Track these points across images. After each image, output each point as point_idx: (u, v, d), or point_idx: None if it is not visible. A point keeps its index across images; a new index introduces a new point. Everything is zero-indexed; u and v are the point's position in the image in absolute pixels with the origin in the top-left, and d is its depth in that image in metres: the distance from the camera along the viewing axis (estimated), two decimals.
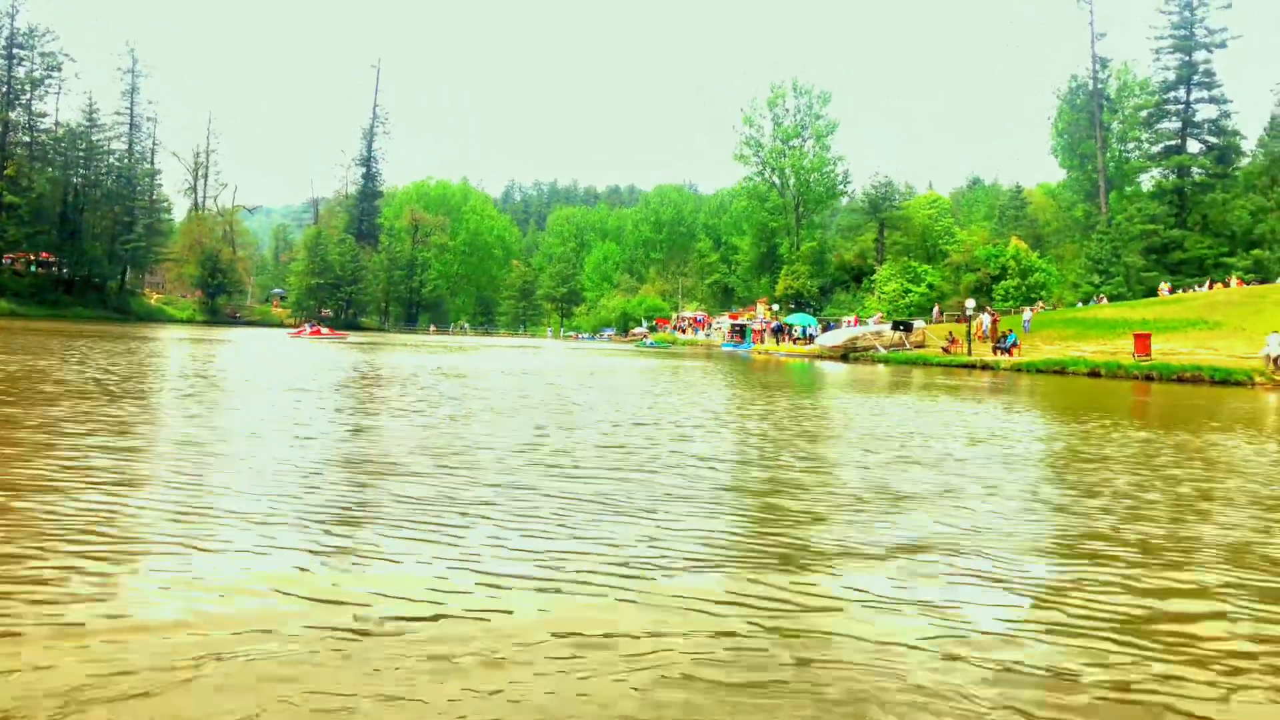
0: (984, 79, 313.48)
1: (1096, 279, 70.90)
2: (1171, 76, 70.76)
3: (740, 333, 74.17)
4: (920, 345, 53.29)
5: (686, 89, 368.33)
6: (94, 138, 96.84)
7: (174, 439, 9.13)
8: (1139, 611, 4.56)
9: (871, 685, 3.44)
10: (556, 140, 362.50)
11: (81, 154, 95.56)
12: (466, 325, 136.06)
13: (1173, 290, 59.94)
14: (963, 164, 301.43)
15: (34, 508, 5.82)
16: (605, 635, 3.88)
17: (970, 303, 51.63)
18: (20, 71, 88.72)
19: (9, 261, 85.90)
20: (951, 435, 12.39)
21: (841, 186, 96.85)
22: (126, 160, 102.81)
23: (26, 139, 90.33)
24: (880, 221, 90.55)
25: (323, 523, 5.75)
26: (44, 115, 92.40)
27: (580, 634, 3.87)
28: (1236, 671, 3.77)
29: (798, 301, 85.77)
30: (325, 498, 6.56)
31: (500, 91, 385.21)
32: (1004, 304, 67.51)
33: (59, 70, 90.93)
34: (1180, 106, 70.83)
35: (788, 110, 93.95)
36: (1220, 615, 4.57)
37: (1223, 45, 68.76)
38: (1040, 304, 67.22)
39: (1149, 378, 35.59)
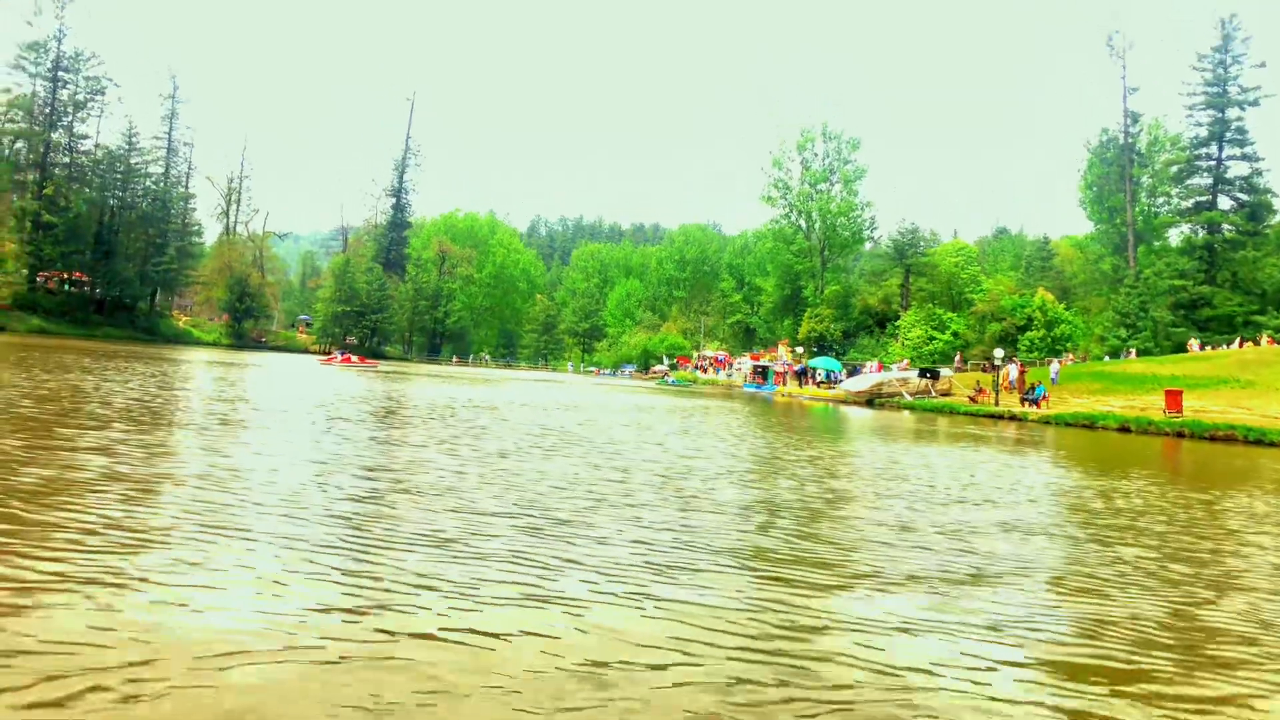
0: (1014, 129, 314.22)
1: (1124, 333, 70.50)
2: (1204, 133, 70.75)
3: (762, 374, 74.02)
4: (946, 393, 53.01)
5: (713, 130, 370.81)
6: (132, 161, 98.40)
7: (246, 471, 9.18)
8: None
9: None
10: (583, 176, 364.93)
11: (119, 176, 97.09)
12: (488, 357, 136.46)
13: (1203, 347, 59.48)
14: (988, 213, 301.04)
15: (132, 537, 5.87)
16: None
17: (999, 352, 51.34)
18: (64, 94, 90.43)
19: (43, 279, 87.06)
20: (1032, 502, 12.29)
21: (868, 232, 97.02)
22: (162, 184, 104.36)
23: (66, 160, 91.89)
24: (906, 268, 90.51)
25: (394, 550, 5.80)
26: (85, 137, 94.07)
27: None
28: None
29: (821, 345, 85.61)
30: (394, 532, 6.59)
31: (529, 126, 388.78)
32: (1029, 355, 67.20)
33: (102, 94, 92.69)
34: (1212, 163, 70.75)
35: (816, 154, 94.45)
36: None
37: (1255, 103, 68.75)
38: (1070, 356, 66.85)
39: (1180, 435, 35.25)
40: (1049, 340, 71.68)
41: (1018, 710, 4.05)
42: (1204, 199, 71.28)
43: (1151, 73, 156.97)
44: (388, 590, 5.12)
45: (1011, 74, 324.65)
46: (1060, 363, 56.70)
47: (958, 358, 69.29)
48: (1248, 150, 69.29)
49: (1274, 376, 42.83)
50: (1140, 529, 9.47)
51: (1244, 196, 69.82)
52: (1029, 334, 72.77)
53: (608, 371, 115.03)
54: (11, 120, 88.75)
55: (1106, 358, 66.74)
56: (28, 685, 3.45)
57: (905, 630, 5.14)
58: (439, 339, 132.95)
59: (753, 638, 4.78)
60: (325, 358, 65.40)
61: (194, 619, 4.38)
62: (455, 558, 5.97)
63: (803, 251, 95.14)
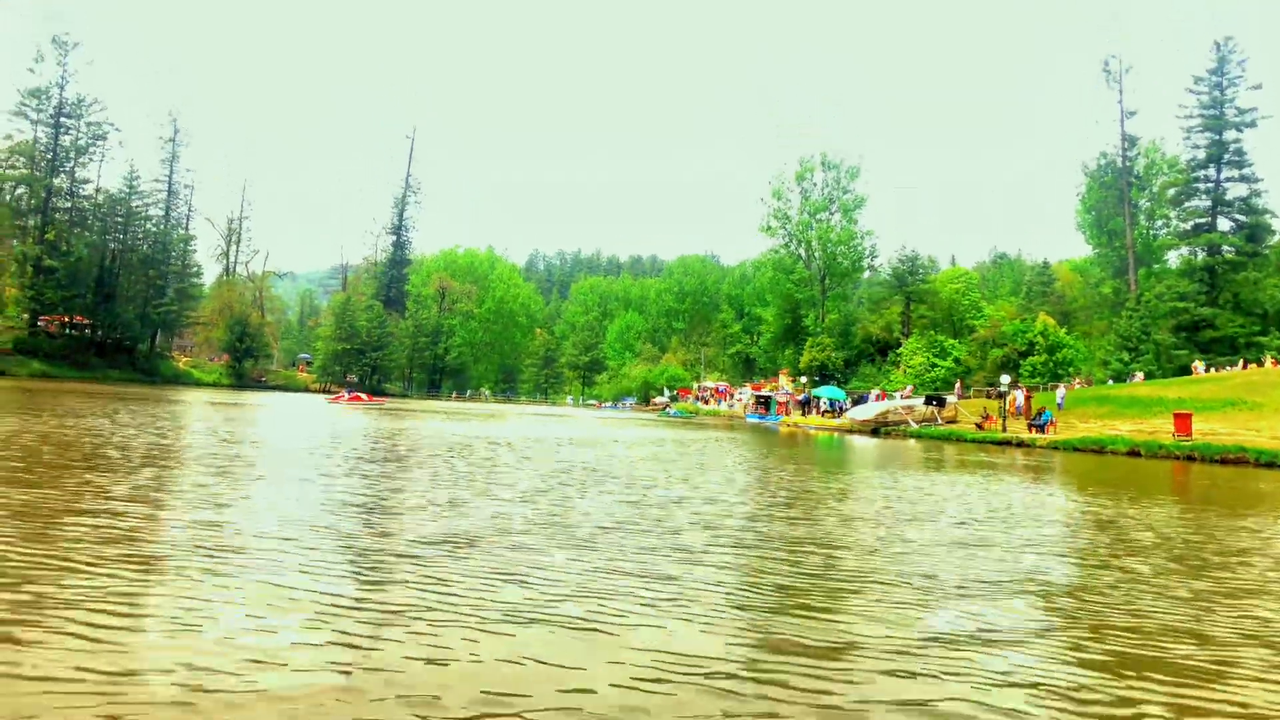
0: (1007, 153, 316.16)
1: (1126, 356, 70.46)
2: (1201, 155, 71.06)
3: (765, 404, 73.91)
4: (952, 420, 52.88)
5: (708, 161, 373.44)
6: (133, 204, 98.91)
7: (296, 518, 9.05)
8: None
9: None
10: (580, 210, 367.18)
11: (120, 220, 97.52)
12: (487, 392, 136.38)
13: (1208, 369, 59.38)
14: (986, 238, 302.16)
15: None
16: None
17: (1006, 379, 51.24)
18: (66, 140, 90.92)
19: (44, 323, 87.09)
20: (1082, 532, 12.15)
21: (868, 260, 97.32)
22: (163, 226, 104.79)
23: (67, 204, 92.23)
24: (906, 295, 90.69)
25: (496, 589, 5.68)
26: (86, 181, 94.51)
27: None
28: None
29: (822, 374, 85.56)
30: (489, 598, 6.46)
31: (526, 160, 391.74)
32: (1031, 380, 67.12)
33: (104, 139, 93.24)
34: (1210, 185, 71.02)
35: (815, 184, 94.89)
36: None
37: (1253, 124, 69.14)
38: (1078, 380, 66.76)
39: (1190, 458, 35.10)
40: (1051, 365, 71.61)
41: None
42: (1203, 221, 71.49)
43: (1149, 96, 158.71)
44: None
45: (1003, 100, 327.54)
46: (1066, 387, 56.53)
47: (958, 385, 69.16)
48: (1246, 172, 69.61)
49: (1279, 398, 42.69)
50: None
51: (1243, 218, 70.03)
52: (1031, 359, 72.72)
53: (609, 404, 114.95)
54: (13, 166, 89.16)
55: (1110, 381, 66.63)
56: None
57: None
58: (439, 375, 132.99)
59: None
60: (333, 396, 65.30)
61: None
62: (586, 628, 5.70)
63: (803, 281, 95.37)
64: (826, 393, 68.02)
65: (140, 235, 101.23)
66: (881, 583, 7.34)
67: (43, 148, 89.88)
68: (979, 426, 48.42)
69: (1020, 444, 42.61)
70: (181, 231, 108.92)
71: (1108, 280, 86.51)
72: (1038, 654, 5.53)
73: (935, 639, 5.69)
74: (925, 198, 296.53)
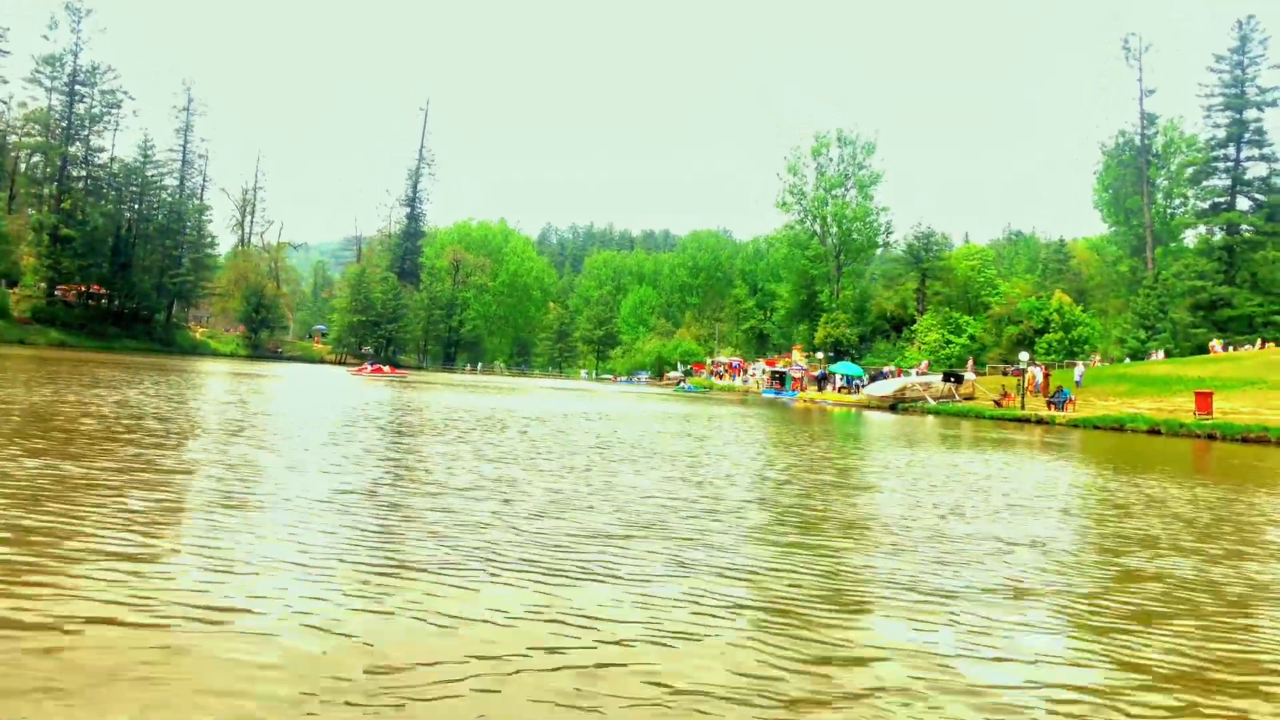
0: (1020, 129, 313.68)
1: (1143, 334, 70.36)
2: (1221, 134, 70.63)
3: (780, 379, 74.02)
4: (970, 397, 52.94)
5: (720, 135, 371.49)
6: (148, 174, 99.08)
7: (383, 499, 9.28)
8: None
9: None
10: (592, 183, 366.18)
11: (136, 189, 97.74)
12: (501, 365, 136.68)
13: (1225, 347, 59.27)
14: (1000, 215, 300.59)
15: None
16: None
17: (1025, 356, 51.24)
18: (80, 108, 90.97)
19: (61, 293, 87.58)
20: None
21: (883, 236, 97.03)
22: (178, 196, 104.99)
23: (83, 173, 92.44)
24: (922, 272, 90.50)
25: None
26: (101, 150, 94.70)
27: None
28: None
29: (837, 350, 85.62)
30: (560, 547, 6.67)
31: (538, 133, 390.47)
32: (1046, 357, 67.06)
33: (118, 107, 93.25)
34: (1230, 164, 70.62)
35: (831, 159, 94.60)
36: None
37: (1274, 104, 68.65)
38: (1097, 358, 66.67)
39: (1212, 437, 35.16)
40: (1067, 343, 71.49)
41: None
42: (1222, 200, 71.15)
43: (1169, 74, 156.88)
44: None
45: (1017, 73, 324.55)
46: (1085, 365, 56.50)
47: (970, 362, 69.11)
48: (1266, 151, 69.21)
49: None
50: None
51: (1262, 197, 69.66)
52: (1047, 336, 72.59)
53: (623, 379, 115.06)
54: (29, 134, 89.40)
55: (1127, 359, 66.58)
56: None
57: None
58: (453, 348, 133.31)
59: None
60: (355, 369, 65.84)
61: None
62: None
63: (818, 257, 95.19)
64: (843, 369, 68.08)
65: (155, 205, 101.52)
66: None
67: (57, 115, 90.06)
68: (997, 404, 48.47)
69: (1040, 421, 42.66)
70: (197, 202, 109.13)
71: (1125, 258, 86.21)
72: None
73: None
74: (939, 176, 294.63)
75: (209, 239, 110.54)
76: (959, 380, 54.50)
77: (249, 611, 4.79)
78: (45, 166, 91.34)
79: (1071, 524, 9.96)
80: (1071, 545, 8.54)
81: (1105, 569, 7.50)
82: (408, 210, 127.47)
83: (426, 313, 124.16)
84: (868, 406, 53.13)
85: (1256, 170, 70.15)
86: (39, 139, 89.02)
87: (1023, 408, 46.19)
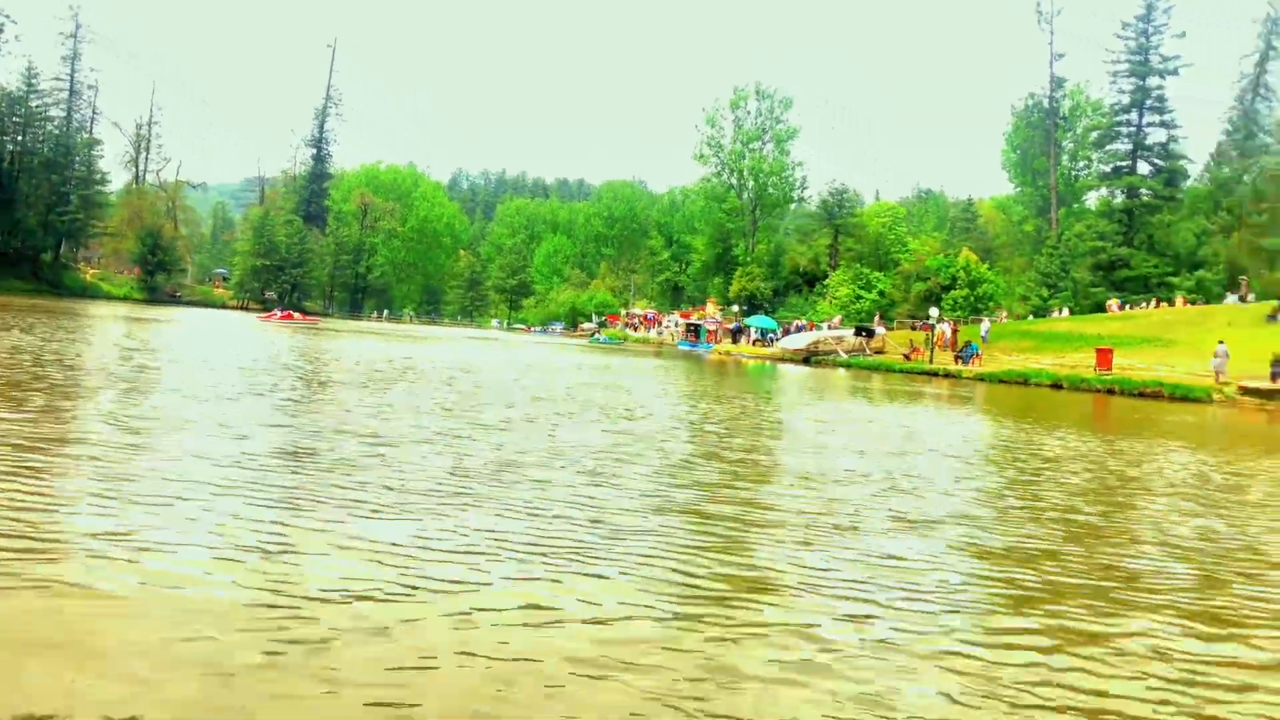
0: (938, 90, 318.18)
1: (1045, 293, 72.47)
2: (1126, 100, 72.48)
3: (695, 332, 74.21)
4: (880, 351, 53.94)
5: (636, 86, 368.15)
6: (32, 104, 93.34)
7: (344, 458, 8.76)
8: None
9: None
10: (506, 130, 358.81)
11: (18, 120, 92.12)
12: (411, 313, 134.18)
13: (1122, 306, 61.47)
14: (910, 174, 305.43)
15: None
16: None
17: (935, 312, 52.40)
18: None
19: None
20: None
21: (798, 191, 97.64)
22: (65, 129, 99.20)
23: None
24: (835, 228, 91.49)
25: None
26: None
27: None
28: None
29: (751, 303, 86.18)
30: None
31: (449, 76, 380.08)
32: (953, 314, 68.57)
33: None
34: (1132, 129, 72.62)
35: (749, 113, 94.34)
36: None
37: (1175, 72, 70.62)
38: (1004, 314, 68.40)
39: (1111, 391, 36.57)
40: (972, 299, 73.09)
41: None
42: (1124, 164, 73.25)
43: (1079, 40, 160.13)
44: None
45: (931, 33, 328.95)
46: (990, 321, 57.97)
47: (877, 318, 70.12)
48: (1166, 118, 71.27)
49: (1193, 336, 44.45)
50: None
51: (1161, 162, 71.92)
52: (953, 293, 74.03)
53: (537, 329, 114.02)
54: None
55: (1030, 316, 68.57)
56: None
57: None
58: (361, 294, 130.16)
59: None
60: (264, 315, 63.87)
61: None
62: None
63: (734, 210, 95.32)
64: (758, 322, 68.58)
65: (41, 138, 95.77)
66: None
67: None
68: (906, 358, 49.52)
69: (947, 375, 43.77)
70: (86, 135, 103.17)
71: (1030, 218, 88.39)
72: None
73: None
74: (852, 133, 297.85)
75: (99, 175, 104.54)
76: (870, 335, 55.45)
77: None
78: None
79: (974, 469, 10.04)
80: (966, 486, 8.58)
81: (998, 503, 7.54)
82: (314, 151, 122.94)
83: (333, 258, 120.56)
84: (782, 359, 53.65)
85: (1157, 136, 72.26)
86: None
87: (931, 362, 47.25)
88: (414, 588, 4.46)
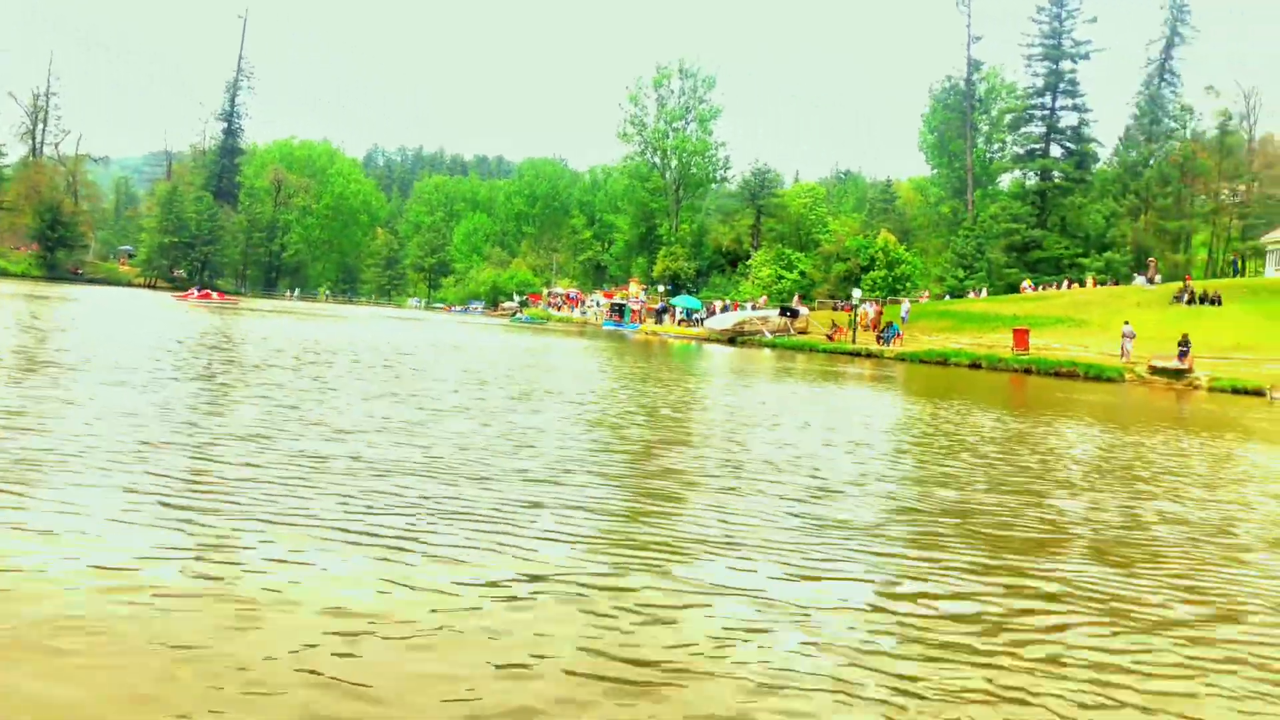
0: (856, 72, 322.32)
1: (961, 273, 74.07)
2: (1040, 83, 74.38)
3: (619, 312, 73.98)
4: (803, 331, 54.47)
5: (556, 62, 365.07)
6: None
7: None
8: None
9: None
10: (421, 105, 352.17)
11: None
12: (326, 292, 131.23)
13: (1035, 287, 63.15)
14: (830, 155, 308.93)
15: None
16: None
17: (857, 293, 53.08)
18: None
19: None
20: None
21: (721, 171, 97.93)
22: None
23: None
24: (757, 208, 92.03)
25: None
26: None
27: None
28: None
29: (675, 283, 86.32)
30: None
31: (364, 49, 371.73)
32: (871, 294, 69.65)
33: None
34: (1046, 112, 74.56)
35: (673, 92, 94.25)
36: None
37: (1086, 56, 72.67)
38: (925, 294, 69.63)
39: (1028, 371, 37.50)
40: (890, 280, 74.31)
41: None
42: (1037, 147, 75.22)
43: (996, 21, 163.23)
44: None
45: (854, 15, 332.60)
46: (910, 302, 58.98)
47: (797, 299, 70.75)
48: (1078, 101, 73.43)
49: (1104, 316, 45.89)
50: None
51: (1073, 145, 74.03)
52: (872, 274, 75.15)
53: (457, 308, 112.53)
54: None
55: (947, 296, 69.98)
56: None
57: None
58: (275, 273, 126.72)
59: None
60: (181, 294, 61.76)
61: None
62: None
63: (658, 189, 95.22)
64: (684, 302, 68.68)
65: None
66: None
67: None
68: (830, 338, 50.07)
69: (870, 355, 44.38)
70: None
71: (947, 200, 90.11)
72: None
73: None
74: (773, 113, 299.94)
75: None
76: (794, 315, 55.94)
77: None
78: None
79: (886, 441, 10.08)
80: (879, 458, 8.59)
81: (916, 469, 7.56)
82: (225, 125, 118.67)
83: (246, 235, 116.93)
84: (707, 339, 53.83)
85: (1069, 119, 74.45)
86: None
87: (854, 342, 47.86)
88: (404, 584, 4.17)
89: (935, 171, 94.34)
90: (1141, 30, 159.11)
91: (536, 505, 6.26)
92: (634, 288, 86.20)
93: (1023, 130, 76.78)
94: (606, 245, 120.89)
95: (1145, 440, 13.98)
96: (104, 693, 3.09)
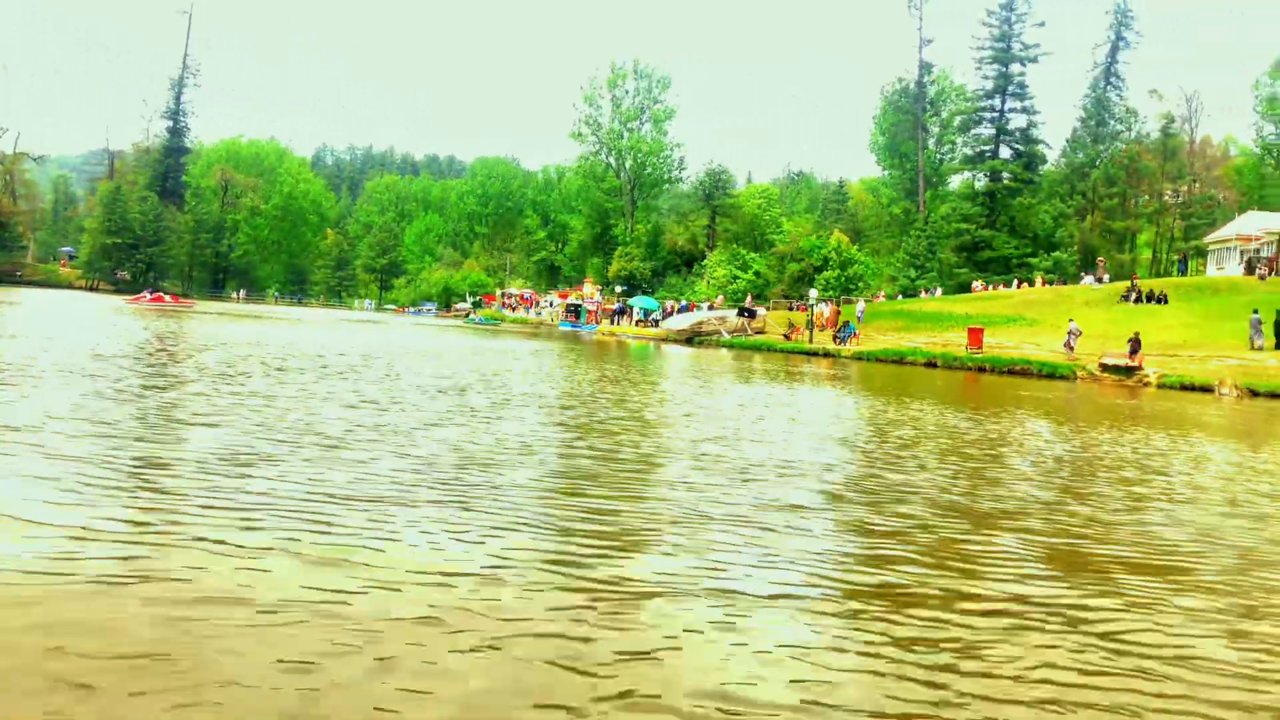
0: (806, 73, 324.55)
1: (913, 273, 75.10)
2: (990, 85, 75.69)
3: (575, 312, 73.82)
4: (760, 331, 54.78)
5: (507, 61, 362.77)
6: None
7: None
8: None
9: None
10: (371, 104, 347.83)
11: None
12: (275, 294, 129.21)
13: (986, 286, 64.22)
14: (781, 156, 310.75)
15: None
16: None
17: (814, 293, 53.58)
18: None
19: None
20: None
21: (676, 172, 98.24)
22: None
23: None
24: (712, 209, 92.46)
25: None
26: None
27: None
28: None
29: (630, 283, 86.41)
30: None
31: (312, 47, 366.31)
32: (825, 294, 70.40)
33: None
34: (995, 114, 75.93)
35: (627, 92, 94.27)
36: None
37: (1035, 60, 74.11)
38: (882, 294, 70.44)
39: (983, 369, 38.07)
40: (843, 280, 75.17)
41: None
42: (987, 148, 76.55)
43: (948, 23, 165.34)
44: None
45: (808, 17, 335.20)
46: (865, 301, 59.64)
47: (749, 299, 71.20)
48: (1026, 104, 74.92)
49: (1054, 315, 46.82)
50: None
51: (1021, 147, 75.47)
52: (825, 274, 75.98)
53: (410, 309, 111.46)
54: None
55: (899, 296, 70.88)
56: None
57: None
58: (223, 274, 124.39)
59: None
60: (133, 297, 60.44)
61: None
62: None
63: (613, 190, 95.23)
64: (641, 302, 68.68)
65: None
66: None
67: None
68: (787, 337, 50.42)
69: (827, 355, 44.73)
70: None
71: (899, 200, 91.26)
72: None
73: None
74: (725, 113, 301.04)
75: None
76: (752, 315, 56.26)
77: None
78: None
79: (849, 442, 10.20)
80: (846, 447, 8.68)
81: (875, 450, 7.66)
82: (170, 124, 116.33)
83: (192, 236, 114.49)
84: (665, 340, 53.89)
85: (1018, 121, 75.92)
86: None
87: (810, 341, 48.27)
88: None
89: (887, 173, 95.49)
90: (1088, 34, 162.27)
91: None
92: (589, 288, 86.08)
93: (973, 132, 78.11)
94: (560, 246, 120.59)
95: (1127, 440, 14.25)
96: None
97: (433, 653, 3.68)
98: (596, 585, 4.72)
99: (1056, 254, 69.48)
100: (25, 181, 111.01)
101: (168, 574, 4.36)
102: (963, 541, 6.35)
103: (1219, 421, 19.98)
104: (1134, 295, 48.09)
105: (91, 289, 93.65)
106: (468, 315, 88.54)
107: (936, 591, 5.09)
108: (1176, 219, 76.26)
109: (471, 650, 3.74)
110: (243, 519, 5.40)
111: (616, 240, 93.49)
